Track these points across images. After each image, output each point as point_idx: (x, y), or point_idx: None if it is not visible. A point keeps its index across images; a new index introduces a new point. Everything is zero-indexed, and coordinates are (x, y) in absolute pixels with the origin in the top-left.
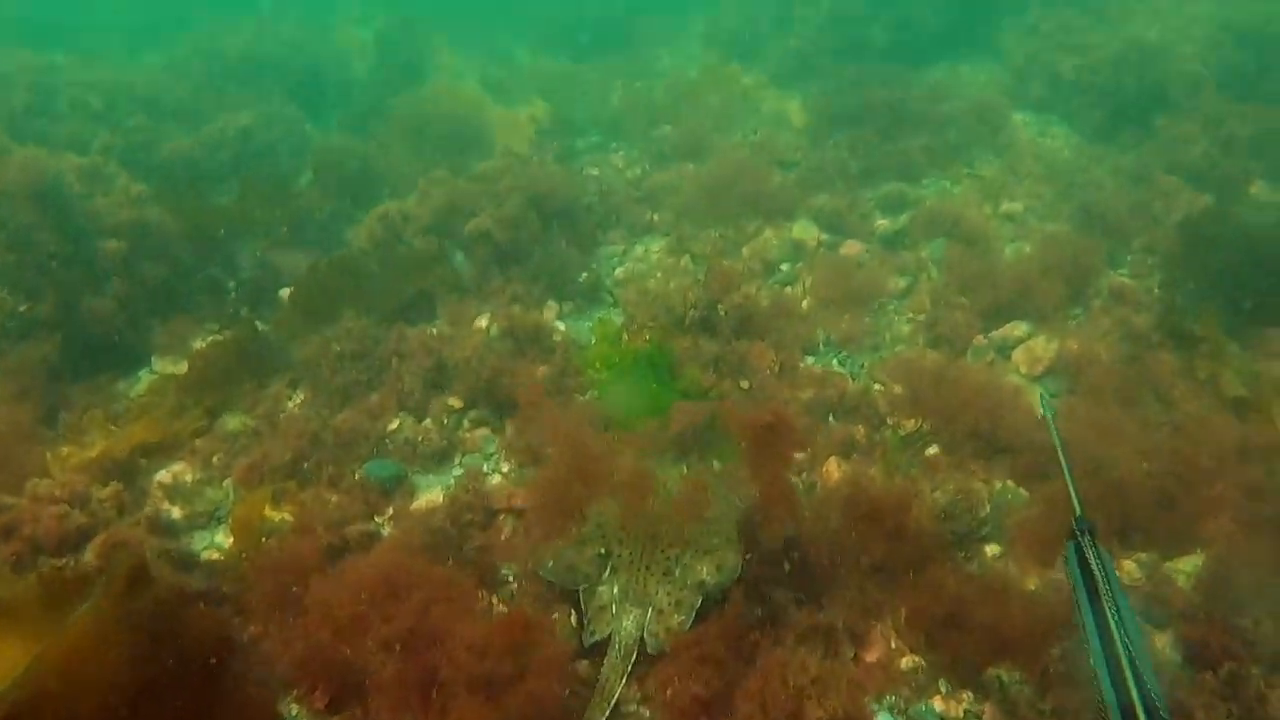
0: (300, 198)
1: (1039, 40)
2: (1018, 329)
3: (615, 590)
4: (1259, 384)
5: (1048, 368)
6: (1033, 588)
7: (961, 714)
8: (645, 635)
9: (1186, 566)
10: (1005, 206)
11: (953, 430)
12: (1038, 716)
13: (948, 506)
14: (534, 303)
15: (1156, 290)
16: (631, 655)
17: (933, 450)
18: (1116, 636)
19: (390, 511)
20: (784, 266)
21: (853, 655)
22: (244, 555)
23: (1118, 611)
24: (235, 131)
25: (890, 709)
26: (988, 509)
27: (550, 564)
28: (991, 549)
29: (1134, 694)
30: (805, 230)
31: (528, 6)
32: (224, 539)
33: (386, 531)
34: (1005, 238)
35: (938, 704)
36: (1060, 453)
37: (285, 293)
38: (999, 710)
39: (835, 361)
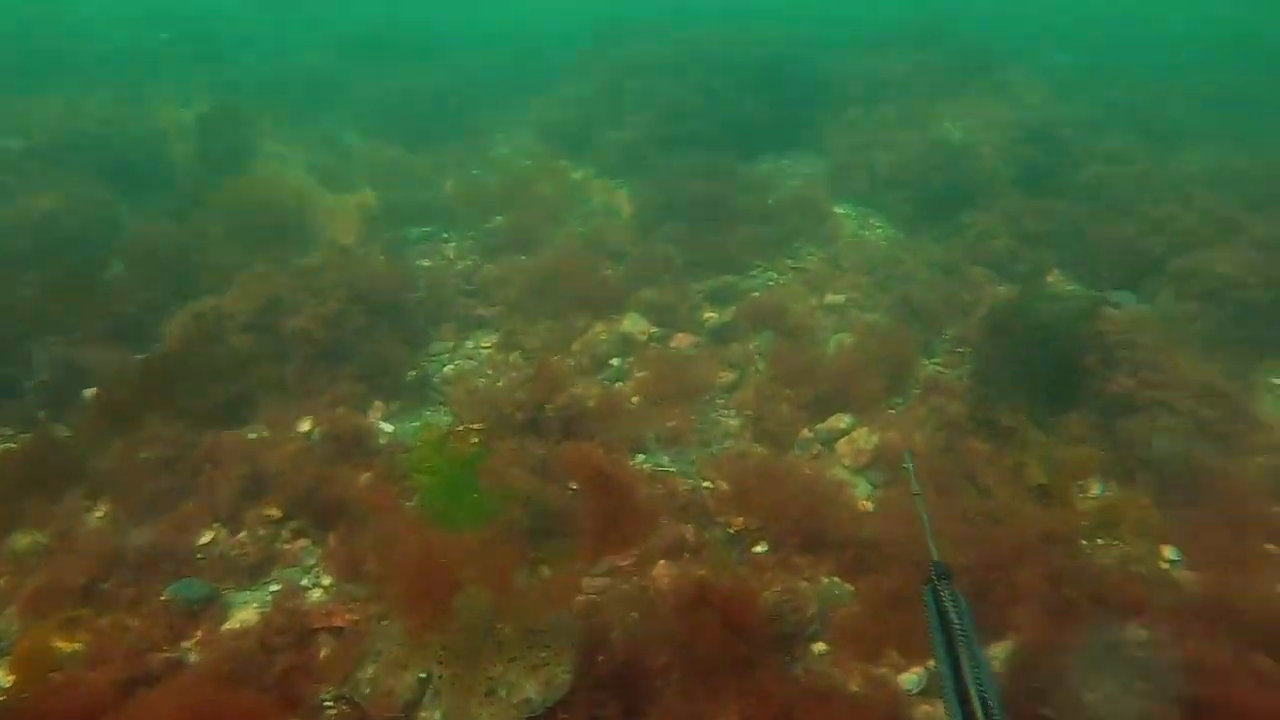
0: (110, 289)
1: (859, 136)
2: (841, 421)
3: (438, 717)
4: (1059, 471)
5: (871, 459)
6: (855, 689)
7: None
8: None
9: (1000, 652)
10: (828, 298)
11: (778, 527)
12: None
13: (775, 607)
14: (359, 403)
15: (967, 380)
16: None
17: (760, 548)
18: (970, 678)
19: (199, 635)
20: (614, 361)
21: None
22: (25, 695)
23: (972, 654)
24: (38, 215)
25: None
26: (814, 608)
27: (366, 690)
28: (819, 647)
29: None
30: (635, 324)
31: (360, 92)
32: (3, 676)
33: (193, 658)
34: (828, 329)
35: None
36: (918, 501)
37: (90, 394)
38: None
39: (665, 459)
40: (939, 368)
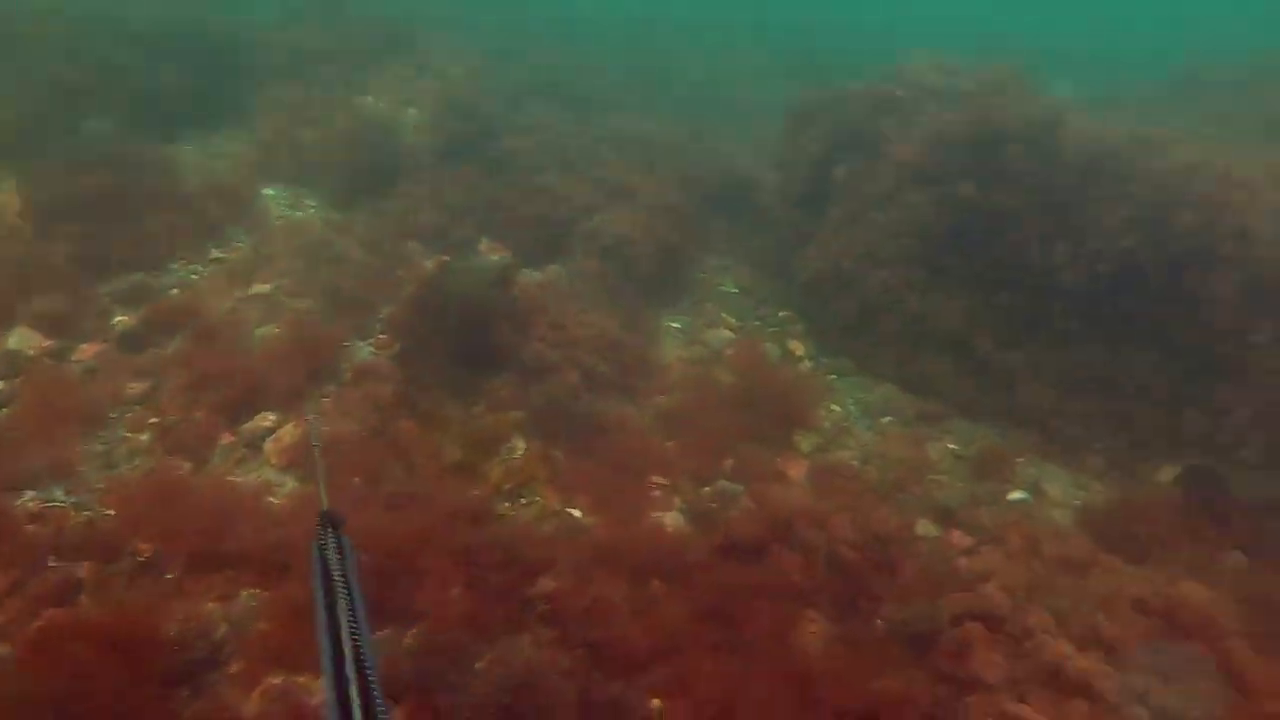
0: None
1: (285, 113)
2: (266, 419)
3: None
4: (480, 440)
5: (299, 454)
6: (253, 711)
7: None
8: None
9: (409, 642)
10: (255, 288)
11: (185, 546)
12: None
13: (180, 637)
14: None
15: (397, 360)
16: None
17: (171, 574)
18: (346, 629)
19: None
20: (0, 385)
21: None
22: None
23: (350, 600)
24: None
25: None
26: (224, 628)
27: None
28: (235, 667)
29: (353, 688)
30: (25, 339)
31: None
32: None
33: None
34: (255, 322)
35: None
36: (316, 452)
37: None
38: None
39: (59, 493)
40: (372, 350)
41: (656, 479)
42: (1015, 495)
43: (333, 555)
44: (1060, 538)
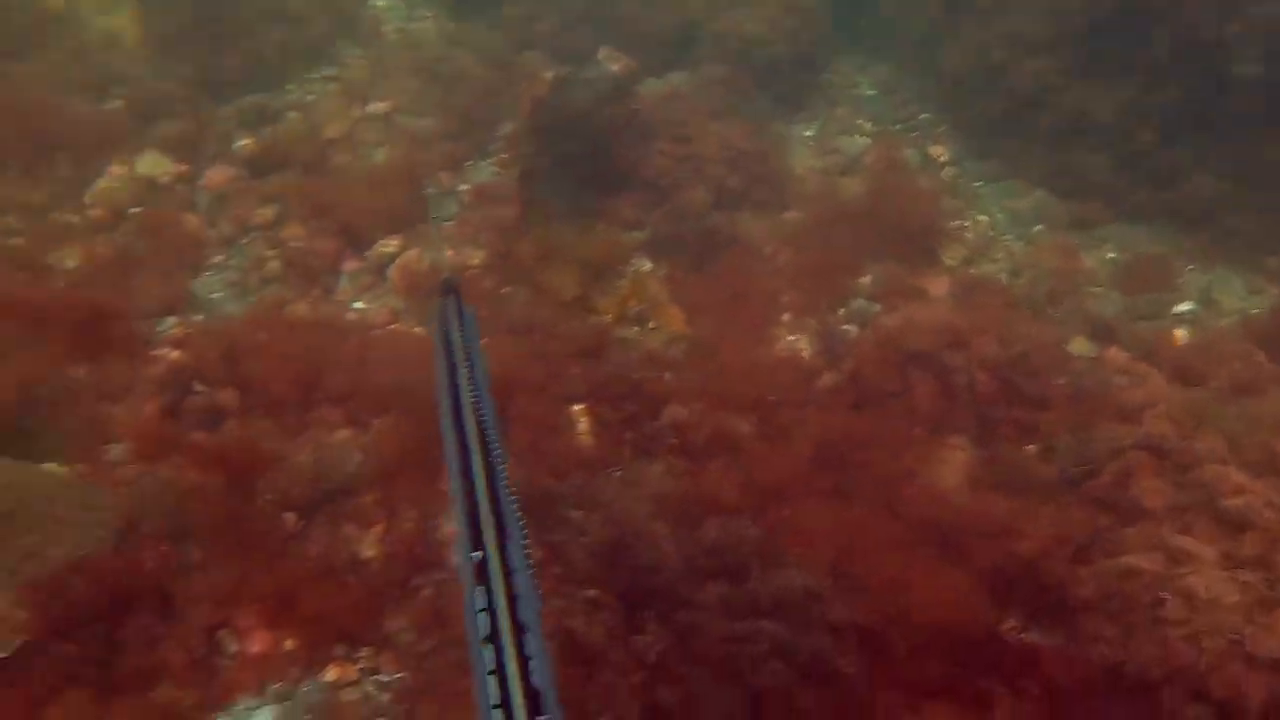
0: None
1: None
2: (389, 244)
3: None
4: (596, 267)
5: (427, 280)
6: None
7: (357, 674)
8: None
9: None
10: (372, 107)
11: (313, 378)
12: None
13: (317, 465)
14: None
15: (517, 181)
16: None
17: (303, 405)
18: (464, 382)
19: None
20: (134, 211)
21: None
22: None
23: (470, 362)
24: None
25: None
26: (358, 459)
27: None
28: (368, 498)
29: (471, 426)
30: (155, 164)
31: None
32: None
33: None
34: (373, 143)
35: (331, 674)
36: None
37: None
38: (395, 659)
39: (200, 319)
40: (494, 170)
41: (787, 299)
42: (1182, 307)
43: (454, 322)
44: (1233, 352)
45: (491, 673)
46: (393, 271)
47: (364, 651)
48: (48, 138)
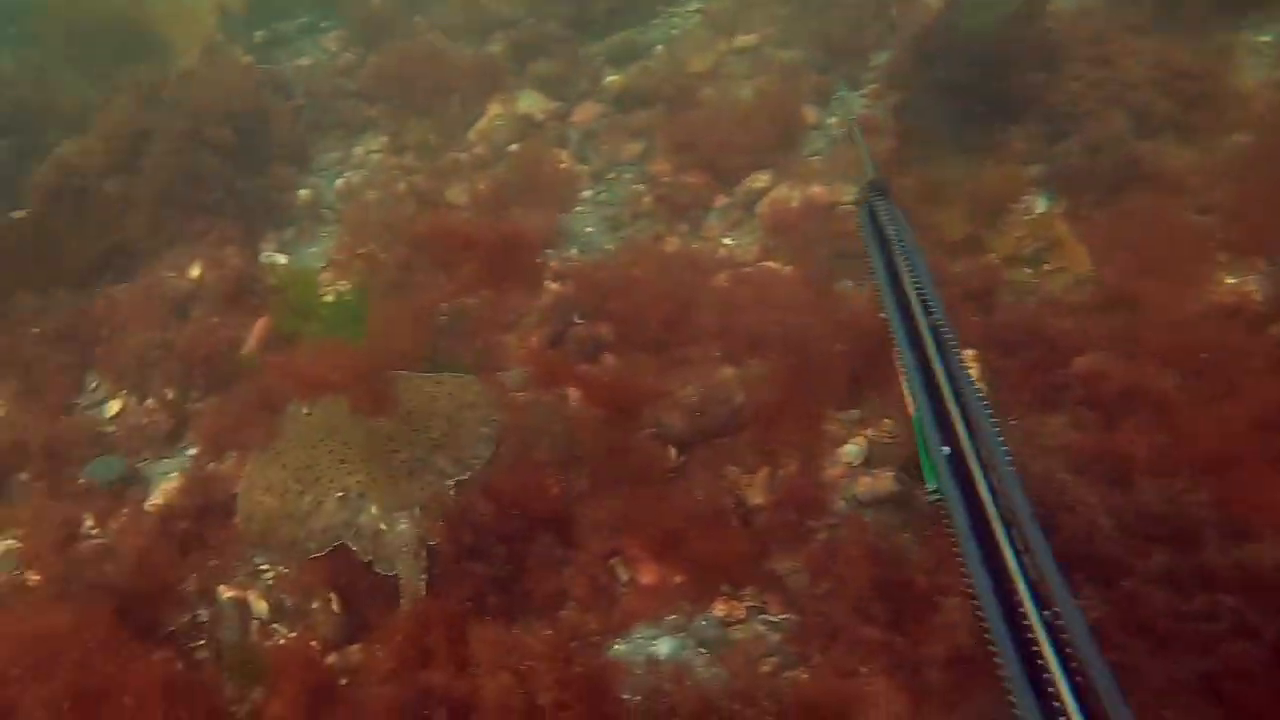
0: None
1: None
2: (759, 179)
3: (375, 511)
4: (985, 204)
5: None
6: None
7: (744, 612)
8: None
9: None
10: (739, 40)
11: (687, 314)
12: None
13: (700, 402)
14: (248, 237)
15: (894, 114)
16: (422, 557)
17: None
18: (906, 277)
19: (124, 515)
20: (513, 148)
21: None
22: None
23: (908, 258)
24: None
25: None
26: (740, 397)
27: (310, 545)
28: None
29: (922, 322)
30: (532, 102)
31: None
32: None
33: (121, 541)
34: (741, 76)
35: (719, 610)
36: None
37: None
38: (782, 600)
39: (575, 252)
40: (865, 102)
41: (1224, 236)
42: None
43: (885, 219)
44: None
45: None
46: (762, 207)
47: (748, 590)
48: (440, 81)
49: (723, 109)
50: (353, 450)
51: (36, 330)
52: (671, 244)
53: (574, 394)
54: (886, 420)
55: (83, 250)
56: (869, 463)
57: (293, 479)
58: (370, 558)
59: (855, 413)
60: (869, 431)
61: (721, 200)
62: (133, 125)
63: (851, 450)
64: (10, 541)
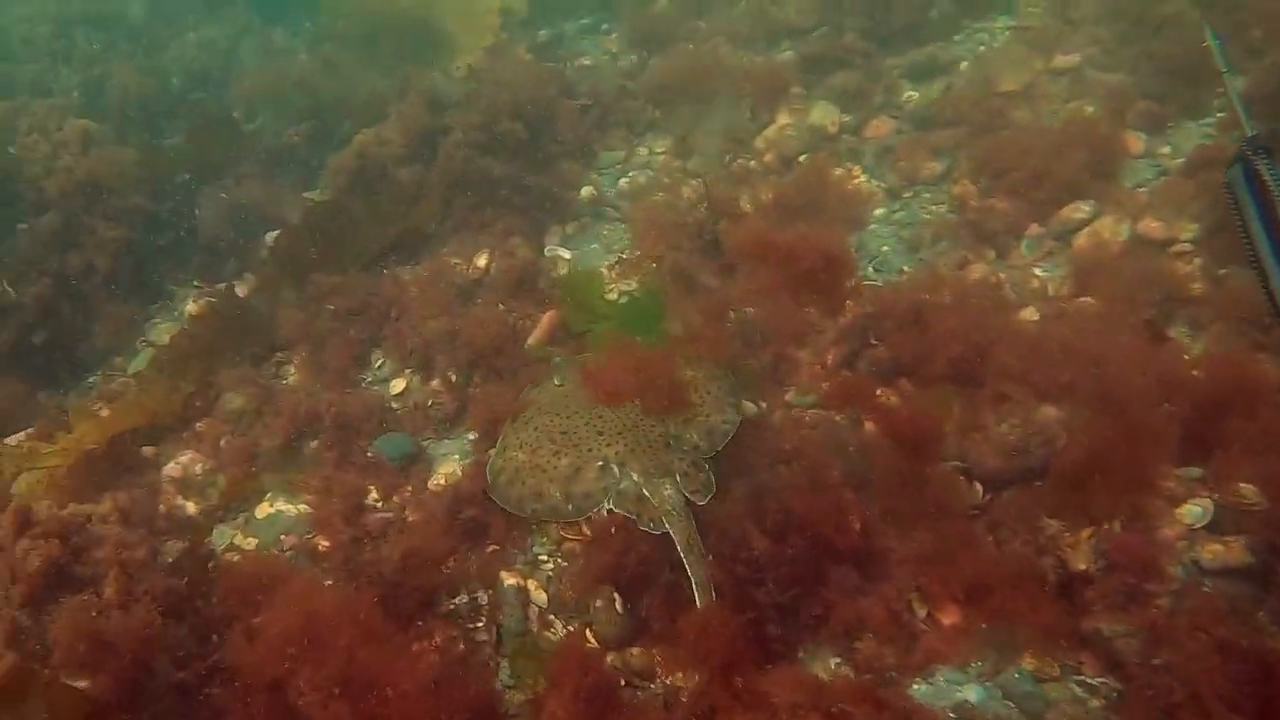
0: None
1: None
2: (1079, 210)
3: (637, 479)
4: None
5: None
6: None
7: (1058, 671)
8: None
9: None
10: (1058, 60)
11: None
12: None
13: (1019, 442)
14: (533, 230)
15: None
16: (690, 515)
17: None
18: None
19: (408, 492)
20: (802, 159)
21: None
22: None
23: None
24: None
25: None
26: (1062, 439)
27: (569, 506)
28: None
29: None
30: (824, 113)
31: None
32: (242, 540)
33: (408, 516)
34: (1059, 98)
35: (1028, 664)
36: (1224, 68)
37: (270, 237)
38: (1102, 662)
39: (870, 269)
40: (1209, 133)
41: None
42: None
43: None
44: None
45: None
46: (1080, 240)
47: (1063, 644)
48: (724, 87)
49: (1036, 132)
50: (607, 422)
51: (332, 306)
52: (976, 270)
53: (870, 417)
54: (1245, 486)
55: (376, 233)
56: (1215, 528)
57: (547, 439)
58: (635, 515)
59: (1196, 470)
60: (1214, 495)
61: (1034, 229)
62: (426, 119)
63: (1193, 511)
64: (303, 506)
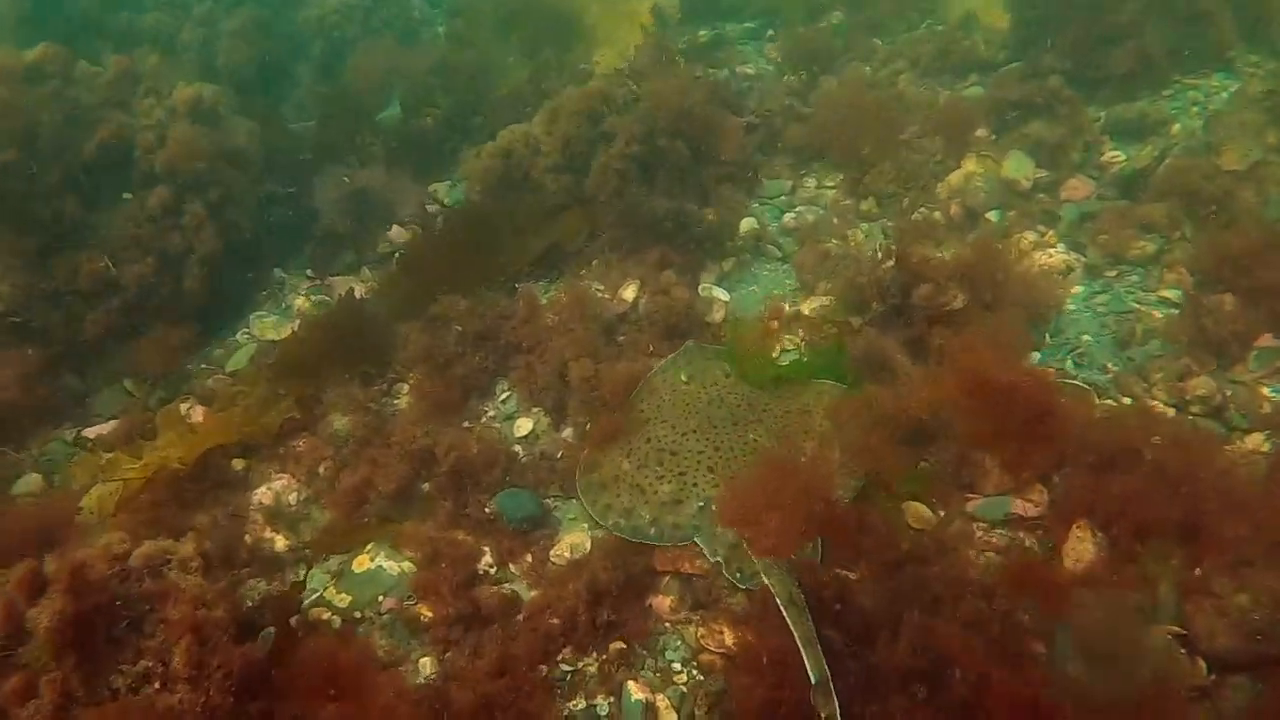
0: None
1: None
2: None
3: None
4: None
5: None
6: None
7: None
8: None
9: None
10: None
11: None
12: None
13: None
14: (688, 264)
15: None
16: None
17: None
18: None
19: (528, 560)
20: (991, 215)
21: None
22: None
23: None
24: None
25: None
26: None
27: (653, 531)
28: None
29: None
30: (1018, 166)
31: None
32: (335, 595)
33: (526, 592)
34: None
35: None
36: None
37: (395, 233)
38: None
39: (1069, 363)
40: None
41: None
42: None
43: None
44: None
45: None
46: None
47: None
48: (902, 119)
49: (1265, 220)
50: (722, 457)
51: (459, 328)
52: (1198, 386)
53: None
54: None
55: (517, 246)
56: None
57: (655, 459)
58: (722, 561)
59: None
60: None
61: (1266, 340)
62: (584, 123)
63: None
64: (407, 564)
